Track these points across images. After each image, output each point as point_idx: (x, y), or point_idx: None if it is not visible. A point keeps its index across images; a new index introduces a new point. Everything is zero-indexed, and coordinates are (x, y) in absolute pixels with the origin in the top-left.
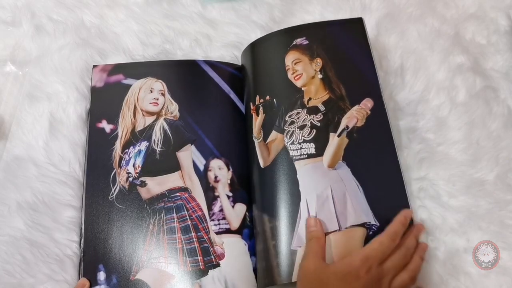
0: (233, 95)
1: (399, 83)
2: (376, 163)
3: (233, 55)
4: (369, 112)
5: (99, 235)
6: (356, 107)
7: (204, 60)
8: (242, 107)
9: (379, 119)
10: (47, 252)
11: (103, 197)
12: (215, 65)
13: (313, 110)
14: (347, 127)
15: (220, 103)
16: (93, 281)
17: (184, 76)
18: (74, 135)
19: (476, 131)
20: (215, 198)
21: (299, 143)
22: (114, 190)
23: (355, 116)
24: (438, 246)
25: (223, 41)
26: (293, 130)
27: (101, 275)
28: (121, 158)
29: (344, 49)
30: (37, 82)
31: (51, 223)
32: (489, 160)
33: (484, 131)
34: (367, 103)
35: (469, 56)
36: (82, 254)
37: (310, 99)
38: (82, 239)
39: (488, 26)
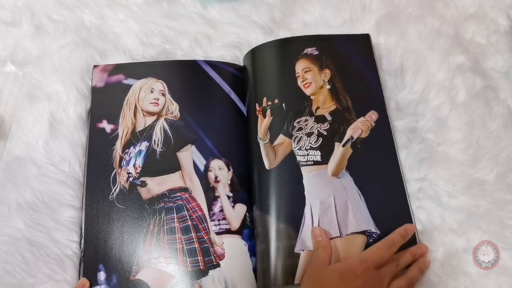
0: (233, 96)
1: (399, 83)
2: (378, 174)
3: (233, 55)
4: (373, 124)
5: (99, 235)
6: (361, 118)
7: (204, 60)
8: (243, 107)
9: (383, 132)
10: (47, 252)
11: (104, 197)
12: (216, 65)
13: (321, 119)
14: (352, 137)
15: (221, 104)
16: (93, 281)
17: (185, 76)
18: (74, 135)
19: (476, 131)
20: (215, 198)
21: (306, 150)
22: (115, 190)
23: (360, 127)
24: (437, 246)
25: (223, 41)
26: (301, 136)
27: (101, 275)
28: (121, 158)
29: (352, 63)
30: (37, 82)
31: (51, 223)
32: (489, 160)
33: (484, 131)
34: (372, 116)
35: (469, 56)
36: (82, 254)
37: (318, 108)
38: (82, 239)
39: (488, 26)
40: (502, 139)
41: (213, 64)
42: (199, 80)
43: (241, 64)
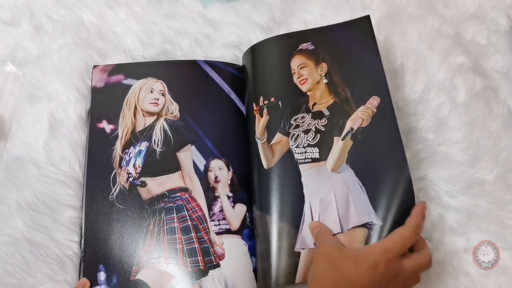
0: (233, 96)
1: (399, 83)
2: (381, 161)
3: (233, 55)
4: (375, 110)
5: (99, 235)
6: (361, 107)
7: (204, 60)
8: (242, 107)
9: (385, 116)
10: (47, 253)
11: (103, 197)
12: (216, 65)
13: (318, 115)
14: (352, 129)
15: (221, 104)
16: (93, 281)
17: (185, 76)
18: (74, 135)
19: (476, 131)
20: (215, 198)
21: (304, 147)
22: (114, 191)
23: (360, 117)
24: (437, 246)
25: (223, 41)
26: (298, 134)
27: (102, 275)
28: (121, 158)
29: (350, 50)
30: (37, 82)
31: (51, 223)
32: (489, 160)
33: (484, 131)
34: (373, 101)
35: (469, 56)
36: (82, 255)
37: (315, 104)
38: (82, 240)
39: (488, 26)
40: (502, 139)
41: (213, 64)
42: (199, 80)
43: (241, 64)
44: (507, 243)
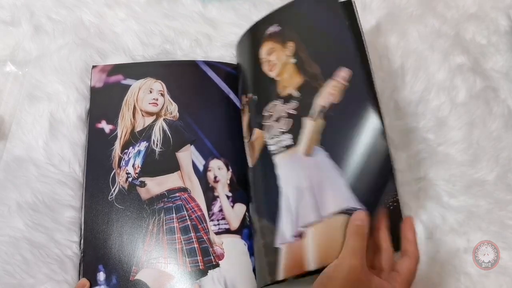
0: (232, 95)
1: (399, 83)
2: (358, 141)
3: (233, 55)
4: (346, 83)
5: (98, 236)
6: (330, 82)
7: (203, 61)
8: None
9: (358, 90)
10: (47, 253)
11: (103, 198)
12: (215, 66)
13: (288, 99)
14: (324, 107)
15: (220, 103)
16: (93, 281)
17: (184, 77)
18: (74, 135)
19: (476, 131)
20: (215, 198)
21: (277, 136)
22: (114, 191)
23: (330, 92)
24: (438, 246)
25: (223, 41)
26: (270, 124)
27: (101, 276)
28: (120, 159)
29: (317, 23)
30: (37, 82)
31: (51, 224)
32: (489, 160)
33: (484, 131)
34: (342, 73)
35: (469, 56)
36: (82, 255)
37: (284, 87)
38: (82, 240)
39: (488, 26)
40: (502, 139)
41: (211, 64)
42: (198, 80)
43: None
44: (507, 243)
